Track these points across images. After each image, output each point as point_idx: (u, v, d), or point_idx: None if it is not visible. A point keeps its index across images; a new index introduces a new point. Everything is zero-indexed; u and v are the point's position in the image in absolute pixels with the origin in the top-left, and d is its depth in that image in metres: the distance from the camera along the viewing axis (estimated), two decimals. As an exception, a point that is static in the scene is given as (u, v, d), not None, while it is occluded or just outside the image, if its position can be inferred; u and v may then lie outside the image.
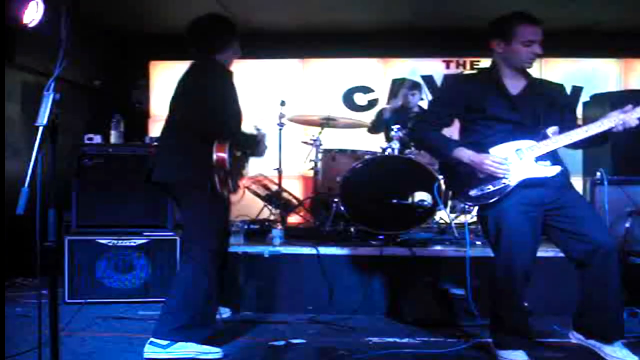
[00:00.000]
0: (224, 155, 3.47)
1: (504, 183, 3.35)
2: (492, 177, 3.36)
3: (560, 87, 3.67)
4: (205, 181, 3.49)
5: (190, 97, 3.58)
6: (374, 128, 6.47)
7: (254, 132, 3.88)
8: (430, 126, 3.57)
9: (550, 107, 3.47)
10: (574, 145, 3.42)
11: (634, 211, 4.82)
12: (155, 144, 3.84)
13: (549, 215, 3.45)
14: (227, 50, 3.74)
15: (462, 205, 5.03)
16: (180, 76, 3.71)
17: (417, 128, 3.76)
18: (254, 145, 3.86)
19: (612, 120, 3.26)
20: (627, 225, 4.79)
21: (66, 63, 2.56)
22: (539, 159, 3.38)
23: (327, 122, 5.98)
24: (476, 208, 3.70)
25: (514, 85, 3.49)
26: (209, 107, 3.49)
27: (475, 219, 5.16)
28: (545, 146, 3.36)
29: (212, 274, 3.61)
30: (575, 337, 3.69)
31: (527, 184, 3.36)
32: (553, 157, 3.43)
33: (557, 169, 3.38)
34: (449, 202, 5.44)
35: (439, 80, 7.87)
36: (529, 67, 3.48)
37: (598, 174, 4.95)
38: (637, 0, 6.36)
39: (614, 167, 5.12)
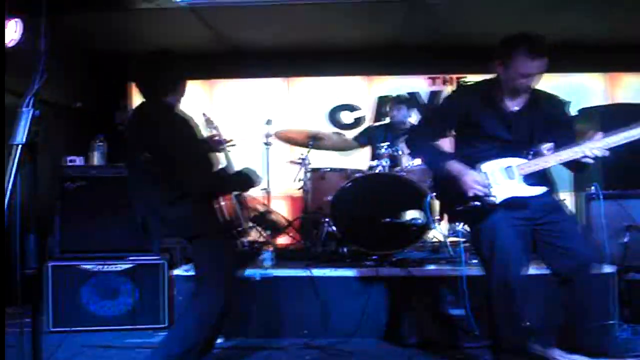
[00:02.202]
0: (234, 207, 3.42)
1: (490, 200, 3.30)
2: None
3: (563, 104, 3.65)
4: (220, 230, 3.41)
5: (171, 156, 3.29)
6: (355, 139, 6.39)
7: (244, 169, 3.65)
8: (425, 136, 3.56)
9: (549, 123, 3.42)
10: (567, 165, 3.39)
11: (631, 226, 4.75)
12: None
13: (537, 230, 3.42)
14: (178, 89, 3.49)
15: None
16: (134, 121, 3.50)
17: (413, 138, 3.73)
18: (249, 182, 3.64)
19: (584, 148, 3.20)
20: (625, 240, 4.71)
21: (46, 77, 2.41)
22: (527, 177, 3.34)
23: (314, 142, 5.82)
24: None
25: (514, 101, 3.40)
26: (193, 164, 3.33)
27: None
28: (535, 165, 3.33)
29: (220, 311, 3.48)
30: (558, 355, 3.54)
31: (511, 203, 3.32)
32: (542, 176, 3.39)
33: (541, 189, 3.35)
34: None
35: (424, 97, 7.80)
36: (524, 93, 3.37)
37: (592, 188, 4.88)
38: (621, 15, 6.35)
39: (606, 181, 5.03)
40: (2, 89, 2.76)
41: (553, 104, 3.55)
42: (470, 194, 3.29)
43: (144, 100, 3.48)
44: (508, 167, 3.34)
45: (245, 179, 3.60)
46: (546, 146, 3.36)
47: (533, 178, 3.34)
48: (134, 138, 3.46)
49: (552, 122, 3.42)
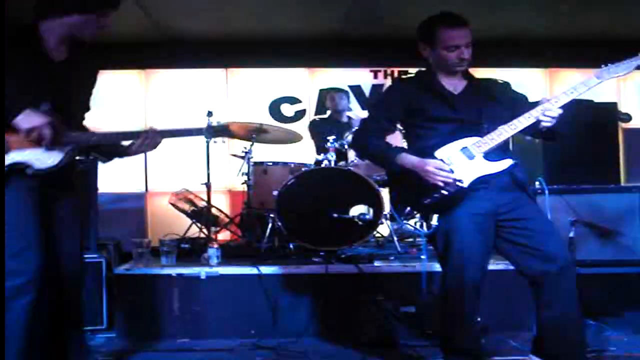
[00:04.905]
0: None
1: (458, 185, 3.06)
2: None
3: (505, 84, 3.45)
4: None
5: None
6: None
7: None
8: (370, 133, 3.34)
9: (494, 103, 3.22)
10: (528, 134, 3.20)
11: (576, 221, 4.79)
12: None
13: (501, 227, 3.18)
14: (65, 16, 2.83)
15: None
16: None
17: (357, 136, 3.54)
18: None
19: (536, 112, 3.01)
20: (571, 235, 4.74)
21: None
22: (488, 155, 3.11)
23: (258, 135, 5.63)
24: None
25: (454, 86, 3.27)
26: None
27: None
28: (491, 140, 3.09)
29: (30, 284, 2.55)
30: None
31: (482, 182, 3.09)
32: (503, 152, 3.17)
33: (507, 162, 3.12)
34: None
35: (367, 90, 7.77)
36: (460, 71, 3.25)
37: (537, 183, 4.91)
38: (561, 11, 6.45)
39: (548, 176, 5.07)
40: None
41: (496, 85, 3.41)
42: (432, 183, 3.07)
43: None
44: (464, 147, 3.11)
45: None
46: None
47: (495, 154, 3.12)
48: None
49: (498, 102, 3.24)
